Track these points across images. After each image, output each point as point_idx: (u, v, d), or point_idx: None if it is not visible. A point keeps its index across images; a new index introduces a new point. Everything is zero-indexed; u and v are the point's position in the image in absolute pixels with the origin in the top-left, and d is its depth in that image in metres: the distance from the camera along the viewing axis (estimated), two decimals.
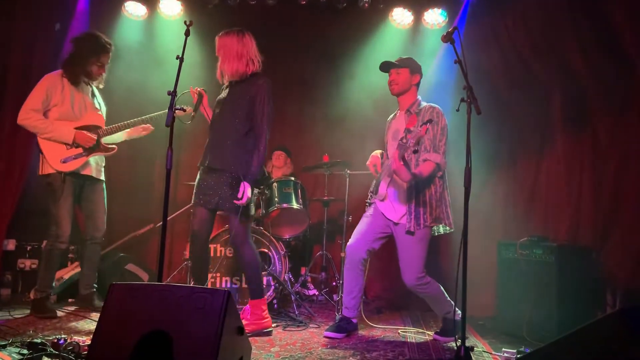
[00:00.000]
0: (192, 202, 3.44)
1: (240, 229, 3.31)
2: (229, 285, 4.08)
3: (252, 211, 3.45)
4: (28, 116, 3.52)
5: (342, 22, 5.07)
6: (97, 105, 3.85)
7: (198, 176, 3.44)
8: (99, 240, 3.89)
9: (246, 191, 3.18)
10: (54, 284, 3.79)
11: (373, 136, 5.01)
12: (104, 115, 3.92)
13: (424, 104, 3.42)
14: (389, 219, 3.38)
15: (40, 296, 3.64)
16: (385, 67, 3.47)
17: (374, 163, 3.49)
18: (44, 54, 4.30)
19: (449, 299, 3.38)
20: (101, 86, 3.90)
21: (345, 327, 3.46)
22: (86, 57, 3.67)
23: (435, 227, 3.38)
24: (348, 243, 3.50)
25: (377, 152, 3.58)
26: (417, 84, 3.47)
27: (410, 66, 3.42)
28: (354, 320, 3.53)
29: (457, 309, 3.25)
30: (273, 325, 3.61)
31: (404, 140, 2.98)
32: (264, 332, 3.38)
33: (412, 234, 3.26)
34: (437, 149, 3.24)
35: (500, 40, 4.33)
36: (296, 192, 4.45)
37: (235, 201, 3.20)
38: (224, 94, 3.46)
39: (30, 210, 4.41)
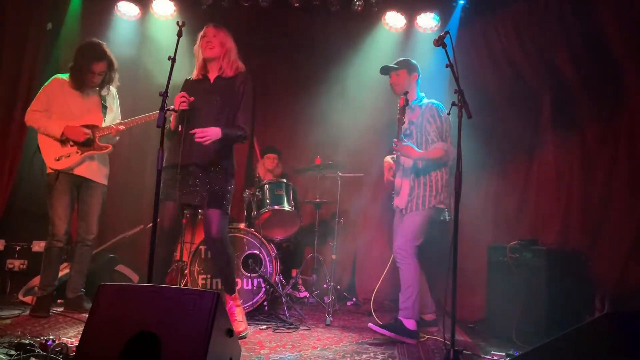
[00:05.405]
0: (163, 196, 3.20)
1: (225, 224, 3.33)
2: (219, 286, 4.06)
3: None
4: (29, 116, 3.73)
5: (335, 24, 5.08)
6: (102, 109, 3.88)
7: (170, 173, 3.22)
8: (90, 243, 3.87)
9: (211, 133, 3.09)
10: (55, 283, 3.78)
11: (366, 138, 5.04)
12: (114, 119, 3.94)
13: (425, 100, 3.59)
14: (400, 208, 3.56)
15: (42, 294, 3.68)
16: (385, 70, 3.69)
17: (389, 167, 3.67)
18: (35, 54, 4.28)
19: (413, 298, 3.37)
20: (104, 93, 3.90)
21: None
22: (81, 66, 3.74)
23: (440, 210, 3.50)
24: None
25: (388, 157, 3.73)
26: (417, 82, 3.66)
27: (408, 67, 3.63)
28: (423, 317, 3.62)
29: (406, 318, 3.34)
30: (263, 327, 3.61)
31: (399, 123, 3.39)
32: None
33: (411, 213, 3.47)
34: (445, 139, 3.44)
35: (491, 45, 4.37)
36: (288, 194, 4.45)
37: (199, 134, 3.07)
38: (201, 87, 3.34)
39: (19, 211, 4.39)
